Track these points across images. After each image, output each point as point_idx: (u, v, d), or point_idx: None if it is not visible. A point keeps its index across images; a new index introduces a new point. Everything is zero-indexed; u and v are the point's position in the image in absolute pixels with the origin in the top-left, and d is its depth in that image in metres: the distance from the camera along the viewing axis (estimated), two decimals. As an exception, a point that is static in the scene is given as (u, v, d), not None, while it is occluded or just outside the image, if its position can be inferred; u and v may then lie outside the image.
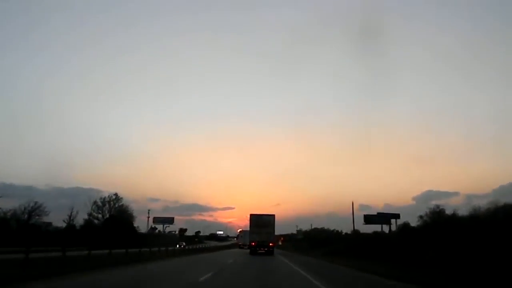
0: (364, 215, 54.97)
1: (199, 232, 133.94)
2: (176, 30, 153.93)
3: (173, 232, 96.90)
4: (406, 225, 34.67)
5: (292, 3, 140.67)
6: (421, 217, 27.59)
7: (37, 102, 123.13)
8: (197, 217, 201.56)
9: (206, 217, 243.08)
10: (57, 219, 57.18)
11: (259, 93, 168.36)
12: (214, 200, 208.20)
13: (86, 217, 61.24)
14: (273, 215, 36.43)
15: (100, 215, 63.84)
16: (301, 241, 75.76)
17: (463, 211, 25.10)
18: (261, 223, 35.04)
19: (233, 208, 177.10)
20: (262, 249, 35.00)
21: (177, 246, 60.77)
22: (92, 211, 63.01)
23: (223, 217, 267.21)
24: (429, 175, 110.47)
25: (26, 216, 49.63)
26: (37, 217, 50.89)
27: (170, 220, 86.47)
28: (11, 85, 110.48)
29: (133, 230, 67.53)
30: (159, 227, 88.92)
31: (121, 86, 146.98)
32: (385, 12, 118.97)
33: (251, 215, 36.48)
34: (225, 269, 18.64)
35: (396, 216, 55.00)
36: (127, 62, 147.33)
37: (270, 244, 35.35)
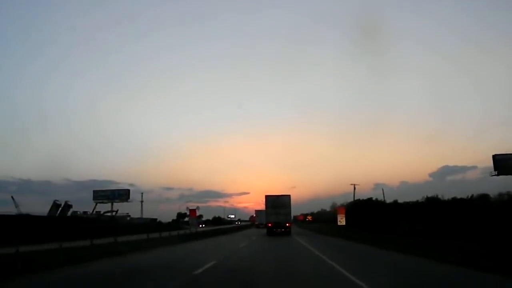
0: (493, 155, 42.63)
1: (201, 216, 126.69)
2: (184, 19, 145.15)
3: (120, 214, 67.39)
4: None
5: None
6: None
7: (40, 99, 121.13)
8: (212, 203, 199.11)
9: (221, 203, 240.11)
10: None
11: (273, 78, 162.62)
12: (229, 186, 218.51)
13: None
14: (289, 196, 36.25)
15: None
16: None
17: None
18: (277, 204, 34.87)
19: (248, 193, 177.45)
20: (279, 229, 34.70)
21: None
22: None
23: (238, 202, 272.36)
24: (444, 150, 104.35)
25: None
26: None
27: (122, 195, 67.05)
28: (16, 83, 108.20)
29: None
30: (105, 207, 67.04)
31: (133, 80, 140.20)
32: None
33: (266, 196, 36.28)
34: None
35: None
36: (136, 55, 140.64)
37: (287, 225, 35.25)
